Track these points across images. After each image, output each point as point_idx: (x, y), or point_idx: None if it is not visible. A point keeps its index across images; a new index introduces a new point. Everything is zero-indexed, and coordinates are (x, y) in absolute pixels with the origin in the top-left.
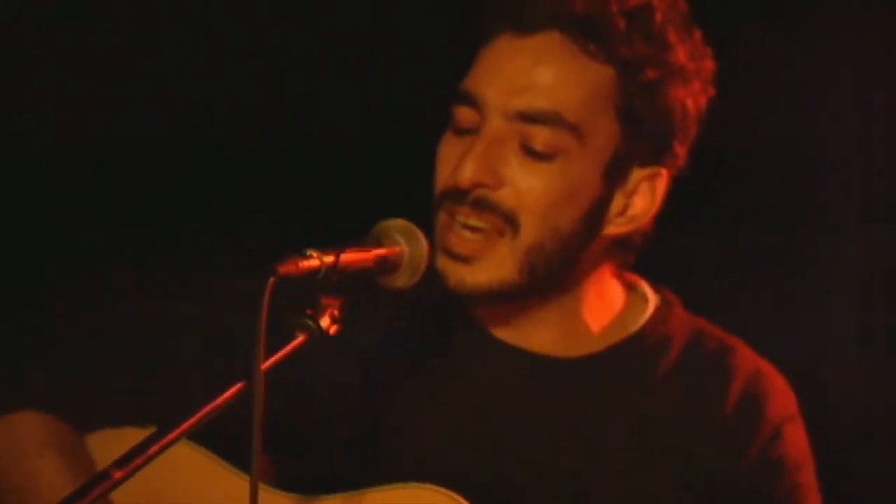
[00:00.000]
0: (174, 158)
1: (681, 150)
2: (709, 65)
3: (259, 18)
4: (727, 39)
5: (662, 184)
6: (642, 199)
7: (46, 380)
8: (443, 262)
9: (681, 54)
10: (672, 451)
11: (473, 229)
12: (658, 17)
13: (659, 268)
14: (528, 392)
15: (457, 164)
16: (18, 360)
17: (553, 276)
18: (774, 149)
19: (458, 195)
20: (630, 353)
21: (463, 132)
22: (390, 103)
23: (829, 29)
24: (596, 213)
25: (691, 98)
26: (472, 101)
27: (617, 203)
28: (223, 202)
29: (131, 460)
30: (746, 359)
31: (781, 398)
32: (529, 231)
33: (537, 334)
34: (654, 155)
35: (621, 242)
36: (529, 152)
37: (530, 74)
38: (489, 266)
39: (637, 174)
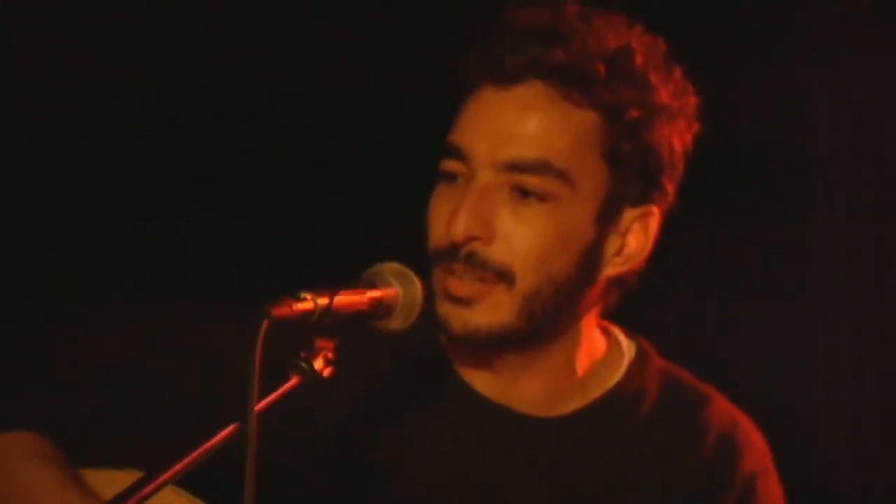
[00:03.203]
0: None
1: (670, 188)
2: (692, 101)
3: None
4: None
5: (655, 222)
6: (636, 238)
7: (24, 421)
8: (444, 308)
9: (663, 94)
10: None
11: (470, 280)
12: (638, 59)
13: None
14: (509, 452)
15: (449, 219)
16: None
17: (552, 322)
18: (758, 155)
19: (451, 251)
20: (609, 409)
21: (453, 186)
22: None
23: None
24: (591, 258)
25: (677, 136)
26: (460, 155)
27: (612, 244)
28: (216, 239)
29: (123, 501)
30: (721, 410)
31: (755, 451)
32: (525, 281)
33: (523, 390)
34: (644, 194)
35: (617, 282)
36: (522, 197)
37: (516, 124)
38: (489, 308)
39: (629, 214)
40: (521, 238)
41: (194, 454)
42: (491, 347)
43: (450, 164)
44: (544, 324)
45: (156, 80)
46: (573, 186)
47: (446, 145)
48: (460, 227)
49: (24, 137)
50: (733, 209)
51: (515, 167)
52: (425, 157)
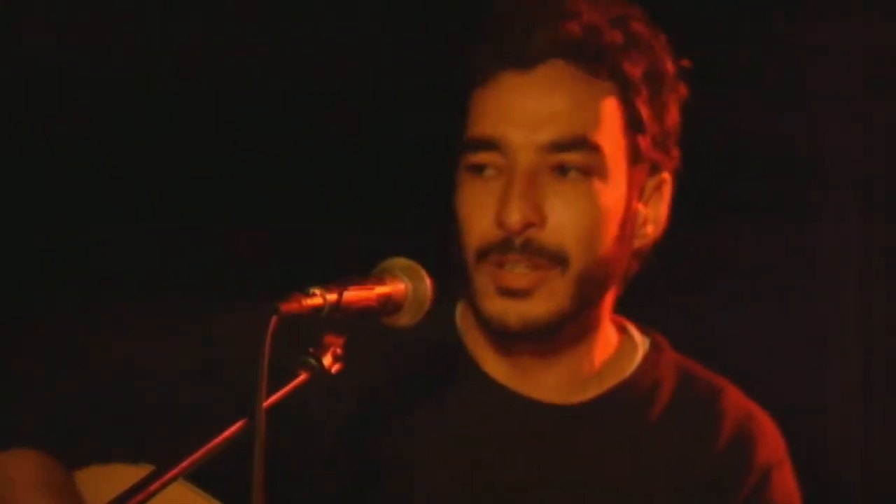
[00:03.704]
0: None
1: (675, 153)
2: (679, 65)
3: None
4: (716, 34)
5: (668, 189)
6: (654, 207)
7: (36, 416)
8: (498, 304)
9: (666, 60)
10: (665, 496)
11: (525, 269)
12: (642, 28)
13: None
14: (526, 439)
15: (499, 211)
16: (8, 396)
17: (596, 299)
18: (771, 154)
19: (504, 243)
20: (624, 399)
21: (485, 179)
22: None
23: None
24: (625, 231)
25: (677, 101)
26: (494, 146)
27: (640, 215)
28: (216, 239)
29: (131, 497)
30: (736, 402)
31: (770, 443)
32: (578, 262)
33: (544, 379)
34: (658, 162)
35: (638, 254)
36: (562, 175)
37: (547, 104)
38: (547, 296)
39: (649, 183)
40: (569, 218)
41: (204, 450)
42: (542, 336)
43: (481, 157)
44: (593, 303)
45: (155, 79)
46: (606, 159)
47: (473, 140)
48: (517, 215)
49: (24, 137)
50: (744, 208)
51: (556, 147)
52: (425, 157)
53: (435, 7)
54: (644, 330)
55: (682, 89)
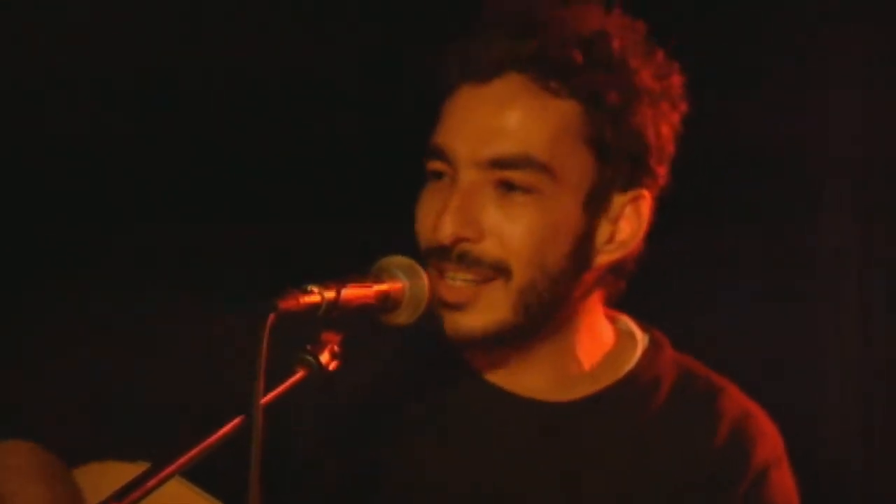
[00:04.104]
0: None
1: (661, 171)
2: (676, 81)
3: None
4: (717, 34)
5: (647, 205)
6: (628, 223)
7: (35, 415)
8: (439, 311)
9: (644, 77)
10: (661, 493)
11: (464, 280)
12: (615, 44)
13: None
14: (520, 438)
15: (435, 221)
16: (8, 395)
17: (547, 313)
18: (769, 155)
19: (441, 252)
20: (621, 396)
21: (439, 184)
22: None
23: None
24: (582, 247)
25: (662, 118)
26: (443, 156)
27: (603, 231)
28: (216, 239)
29: (129, 493)
30: (735, 401)
31: (768, 442)
32: (520, 274)
33: (530, 378)
34: (633, 179)
35: (614, 269)
36: (507, 191)
37: (495, 120)
38: (483, 309)
39: (619, 200)
40: (510, 233)
41: (201, 447)
42: (487, 345)
43: (434, 165)
44: (540, 316)
45: (155, 79)
46: (556, 178)
47: (429, 147)
48: (448, 229)
49: (24, 137)
50: (744, 208)
51: (497, 164)
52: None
53: (437, 7)
54: (645, 327)
55: (668, 104)
